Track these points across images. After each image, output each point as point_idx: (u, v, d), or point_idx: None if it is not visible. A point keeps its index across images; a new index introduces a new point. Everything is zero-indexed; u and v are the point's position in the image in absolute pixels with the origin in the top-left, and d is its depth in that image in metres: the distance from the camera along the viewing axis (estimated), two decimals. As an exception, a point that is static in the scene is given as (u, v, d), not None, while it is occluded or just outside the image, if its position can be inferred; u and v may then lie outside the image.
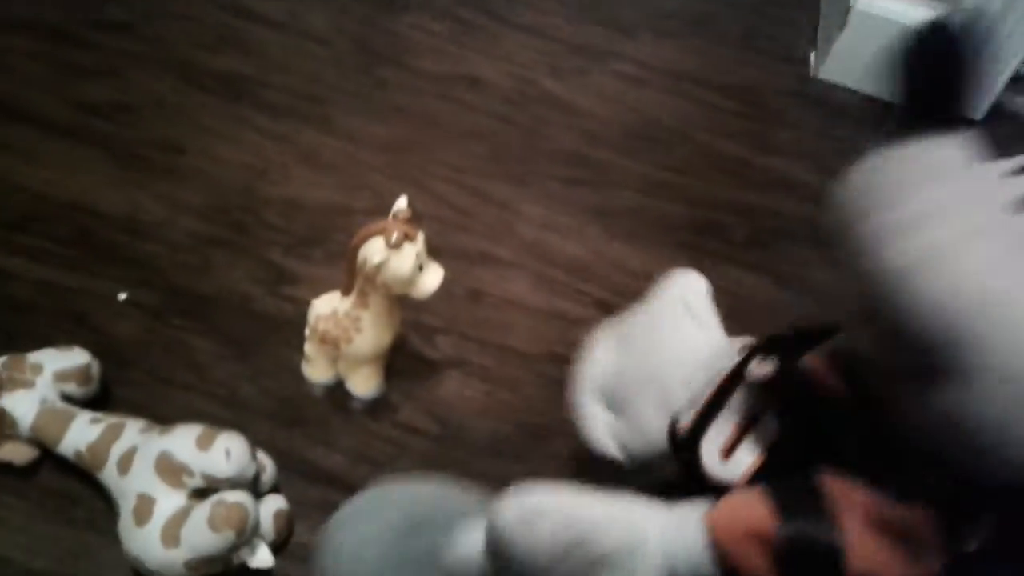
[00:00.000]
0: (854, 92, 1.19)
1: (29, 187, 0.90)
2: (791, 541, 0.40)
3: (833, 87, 1.19)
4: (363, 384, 0.80)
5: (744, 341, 0.57)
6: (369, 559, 0.60)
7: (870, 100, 1.18)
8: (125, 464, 0.66)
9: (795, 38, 1.24)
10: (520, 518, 0.47)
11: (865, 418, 0.40)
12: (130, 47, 1.05)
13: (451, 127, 1.04)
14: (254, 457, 0.66)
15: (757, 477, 0.46)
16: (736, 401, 0.50)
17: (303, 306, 0.77)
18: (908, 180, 0.39)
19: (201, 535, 0.61)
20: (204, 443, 0.64)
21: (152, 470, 0.64)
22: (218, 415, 0.77)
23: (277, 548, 0.69)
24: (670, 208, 1.02)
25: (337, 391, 0.81)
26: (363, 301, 0.72)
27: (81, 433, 0.69)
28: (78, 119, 0.97)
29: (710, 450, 0.50)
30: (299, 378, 0.81)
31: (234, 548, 0.63)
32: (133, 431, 0.68)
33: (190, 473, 0.64)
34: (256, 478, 0.67)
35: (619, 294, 0.92)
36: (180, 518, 0.62)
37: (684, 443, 0.52)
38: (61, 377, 0.72)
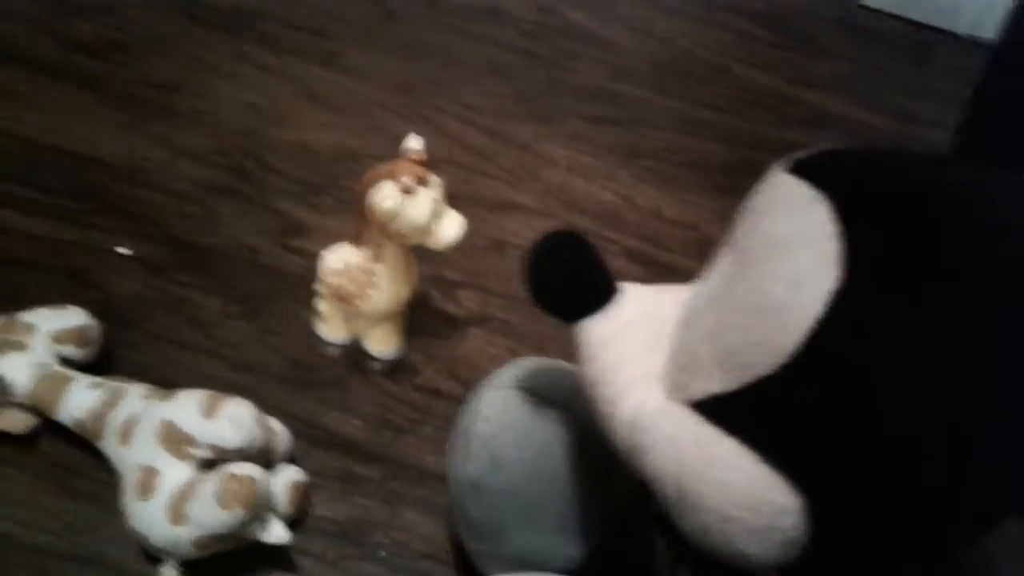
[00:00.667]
0: (897, 18, 1.11)
1: (20, 133, 0.84)
2: None
3: (876, 13, 1.11)
4: (381, 343, 0.74)
5: None
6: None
7: (916, 27, 1.10)
8: (126, 433, 0.61)
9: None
10: None
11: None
12: (123, -20, 0.98)
13: (468, 63, 0.97)
14: (265, 425, 0.61)
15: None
16: None
17: (313, 259, 0.72)
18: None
19: (209, 512, 0.56)
20: (209, 410, 0.59)
21: (155, 440, 0.59)
22: (226, 378, 0.72)
23: (294, 523, 0.64)
24: (705, 148, 0.95)
25: (353, 351, 0.75)
26: (377, 253, 0.66)
27: (79, 399, 0.64)
28: (70, 59, 0.90)
29: None
30: (312, 337, 0.75)
31: (245, 525, 0.59)
32: (134, 397, 0.63)
33: (195, 443, 0.58)
34: (269, 447, 0.62)
35: (651, 242, 0.86)
36: (186, 492, 0.58)
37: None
38: (57, 338, 0.66)
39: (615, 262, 0.84)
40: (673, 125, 0.96)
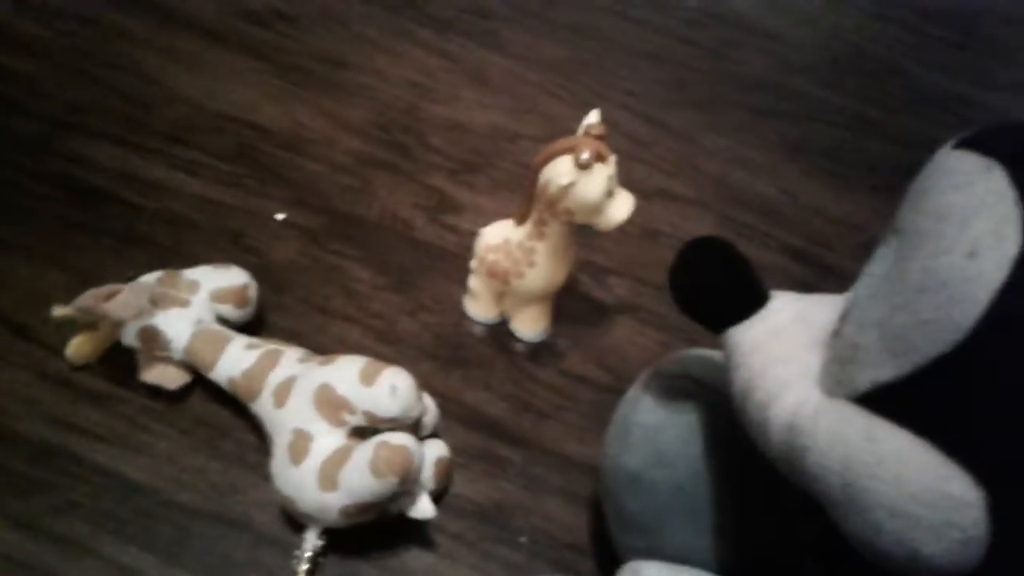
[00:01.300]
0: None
1: (190, 97, 0.86)
2: None
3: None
4: (530, 325, 0.73)
5: None
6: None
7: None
8: (282, 395, 0.61)
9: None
10: None
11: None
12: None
13: (629, 48, 0.95)
14: (420, 397, 0.60)
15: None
16: None
17: (465, 237, 0.71)
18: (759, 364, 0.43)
19: (362, 479, 0.56)
20: (368, 377, 0.58)
21: (311, 403, 0.59)
22: (374, 349, 0.72)
23: (436, 499, 0.63)
24: (877, 147, 0.89)
25: (500, 331, 0.74)
26: (539, 231, 0.64)
27: (236, 359, 0.64)
28: (239, 27, 0.92)
29: None
30: (460, 314, 0.74)
31: (394, 496, 0.58)
32: (291, 360, 0.63)
33: (351, 409, 0.58)
34: (418, 421, 0.61)
35: (813, 241, 0.81)
36: (339, 459, 0.57)
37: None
38: (218, 297, 0.67)
39: (775, 259, 0.80)
40: (843, 121, 0.91)
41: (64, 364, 0.67)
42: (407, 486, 0.57)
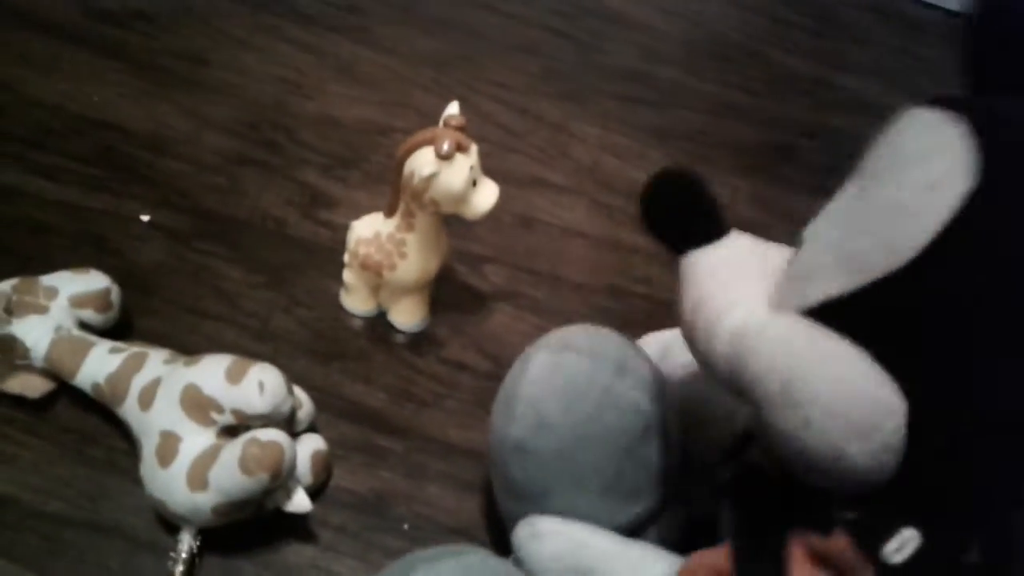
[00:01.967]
0: (935, 7, 1.08)
1: (46, 100, 0.83)
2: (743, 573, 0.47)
3: (913, 1, 1.09)
4: (408, 316, 0.73)
5: None
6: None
7: (952, 16, 1.07)
8: (147, 398, 0.59)
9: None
10: (531, 534, 0.55)
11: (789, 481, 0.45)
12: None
13: (499, 40, 0.96)
14: (290, 392, 0.59)
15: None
16: None
17: (340, 231, 0.70)
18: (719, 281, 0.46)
19: (232, 477, 0.55)
20: (235, 375, 0.57)
21: (177, 405, 0.58)
22: (249, 348, 0.71)
23: (314, 493, 0.63)
24: (739, 131, 0.93)
25: (378, 323, 0.74)
26: (408, 223, 0.65)
27: (100, 364, 0.62)
28: (97, 28, 0.89)
29: None
30: (337, 308, 0.74)
31: (268, 492, 0.57)
32: (156, 362, 0.62)
33: (219, 408, 0.57)
34: (292, 416, 0.61)
35: (683, 222, 0.83)
36: (208, 458, 0.56)
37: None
38: (77, 302, 0.65)
39: (646, 241, 0.81)
40: (706, 107, 0.94)
41: (-86, 380, 0.64)
42: (280, 482, 0.57)
